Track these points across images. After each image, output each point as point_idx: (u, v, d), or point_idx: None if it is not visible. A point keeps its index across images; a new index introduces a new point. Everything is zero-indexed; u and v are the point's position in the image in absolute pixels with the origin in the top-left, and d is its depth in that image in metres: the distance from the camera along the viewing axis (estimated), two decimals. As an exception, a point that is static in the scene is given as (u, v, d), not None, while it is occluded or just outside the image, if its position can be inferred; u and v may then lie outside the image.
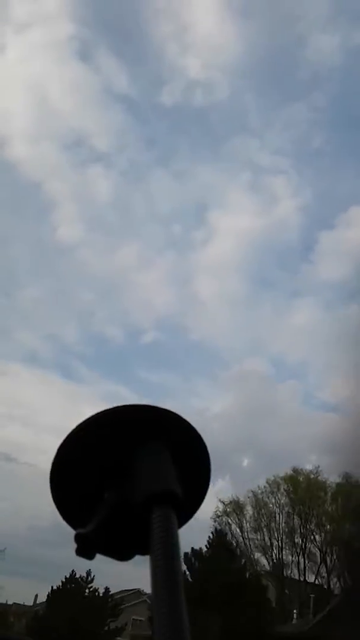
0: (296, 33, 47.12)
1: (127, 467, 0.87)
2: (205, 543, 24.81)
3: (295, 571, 33.95)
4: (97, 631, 24.73)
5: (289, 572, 33.87)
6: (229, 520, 35.36)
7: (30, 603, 39.36)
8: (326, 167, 51.95)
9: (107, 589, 27.48)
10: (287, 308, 52.81)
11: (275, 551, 34.50)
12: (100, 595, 26.86)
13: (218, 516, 35.00)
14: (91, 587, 26.84)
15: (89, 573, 27.57)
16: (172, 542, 0.77)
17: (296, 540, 34.29)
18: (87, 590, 26.81)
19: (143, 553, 0.81)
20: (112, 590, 28.27)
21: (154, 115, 49.20)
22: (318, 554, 33.67)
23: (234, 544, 30.02)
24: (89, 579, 26.95)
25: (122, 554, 0.86)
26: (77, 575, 26.98)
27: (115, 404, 0.93)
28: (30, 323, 59.10)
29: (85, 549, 0.83)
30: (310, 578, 33.52)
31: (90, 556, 0.84)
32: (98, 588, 26.91)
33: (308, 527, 33.81)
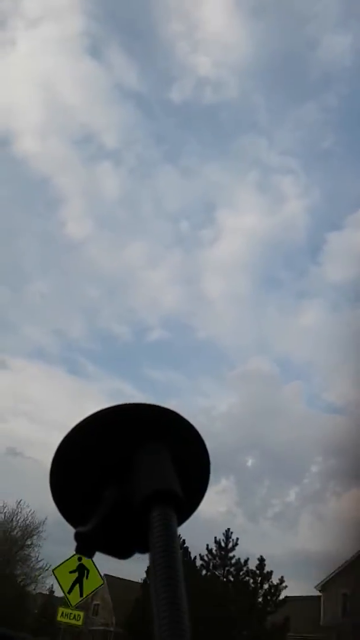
0: (307, 33, 46.95)
1: (127, 465, 0.87)
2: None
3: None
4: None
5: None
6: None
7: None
8: (335, 168, 51.84)
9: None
10: (294, 309, 52.74)
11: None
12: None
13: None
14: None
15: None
16: (172, 541, 0.77)
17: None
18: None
19: (143, 551, 0.81)
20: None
21: (163, 113, 49.34)
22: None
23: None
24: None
25: (122, 552, 0.87)
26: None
27: (120, 402, 0.93)
28: (37, 318, 59.45)
29: (85, 547, 0.83)
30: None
31: (90, 554, 0.85)
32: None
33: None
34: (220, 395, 57.37)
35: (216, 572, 26.89)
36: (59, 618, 11.67)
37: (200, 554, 27.26)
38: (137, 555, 0.86)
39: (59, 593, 22.02)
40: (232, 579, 26.33)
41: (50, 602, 32.28)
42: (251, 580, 26.03)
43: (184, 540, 23.68)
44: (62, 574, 10.91)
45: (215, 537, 27.38)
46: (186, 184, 50.42)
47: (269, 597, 25.47)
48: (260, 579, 25.88)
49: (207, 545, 27.26)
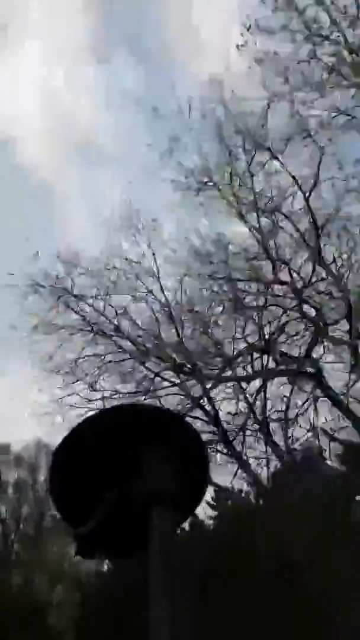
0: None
1: (127, 467, 0.87)
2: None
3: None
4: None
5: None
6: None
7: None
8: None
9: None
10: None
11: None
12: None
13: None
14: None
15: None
16: (171, 542, 0.77)
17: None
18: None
19: (142, 552, 0.81)
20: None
21: (166, 117, 49.00)
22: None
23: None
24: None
25: (121, 553, 0.87)
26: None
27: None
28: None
29: (84, 549, 0.84)
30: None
31: (90, 555, 0.85)
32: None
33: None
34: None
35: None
36: None
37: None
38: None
39: None
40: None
41: None
42: None
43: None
44: None
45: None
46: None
47: None
48: None
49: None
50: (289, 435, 13.85)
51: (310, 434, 13.86)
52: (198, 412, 14.39)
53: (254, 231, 14.30)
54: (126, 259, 15.47)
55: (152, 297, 15.54)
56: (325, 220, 13.84)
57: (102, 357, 15.38)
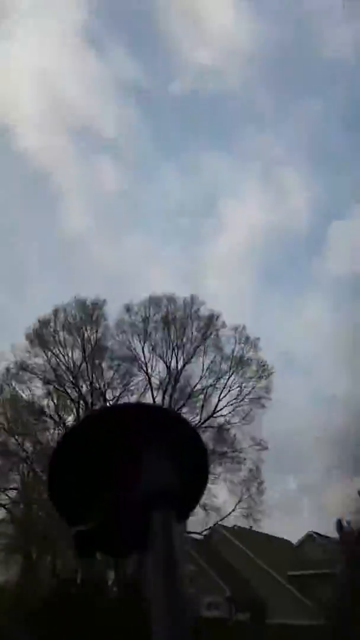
0: (313, 26, 46.37)
1: (127, 466, 0.86)
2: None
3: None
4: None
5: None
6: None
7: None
8: (339, 162, 51.38)
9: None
10: (297, 303, 52.33)
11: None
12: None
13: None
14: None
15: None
16: (172, 541, 0.77)
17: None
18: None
19: (142, 552, 0.81)
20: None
21: (163, 105, 48.80)
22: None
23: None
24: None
25: (121, 553, 0.86)
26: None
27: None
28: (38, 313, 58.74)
29: (84, 548, 0.83)
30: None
31: (90, 555, 0.84)
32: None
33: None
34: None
35: None
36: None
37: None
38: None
39: None
40: None
41: None
42: None
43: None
44: None
45: None
46: (187, 177, 49.88)
47: None
48: None
49: None
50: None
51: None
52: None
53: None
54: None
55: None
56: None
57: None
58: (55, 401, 25.74)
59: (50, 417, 25.53)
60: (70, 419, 24.92)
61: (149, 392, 26.43)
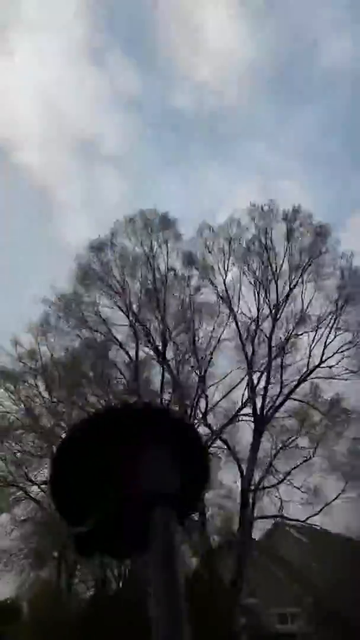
0: (309, 37, 46.12)
1: (128, 467, 0.86)
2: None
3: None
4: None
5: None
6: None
7: None
8: (337, 173, 50.72)
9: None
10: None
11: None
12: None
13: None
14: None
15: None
16: (172, 542, 0.76)
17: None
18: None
19: (143, 552, 0.80)
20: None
21: (164, 119, 49.03)
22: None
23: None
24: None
25: (121, 553, 0.86)
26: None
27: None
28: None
29: (84, 548, 0.83)
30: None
31: (89, 555, 0.84)
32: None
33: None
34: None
35: None
36: None
37: None
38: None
39: None
40: None
41: None
42: None
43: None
44: None
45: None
46: (187, 190, 49.89)
47: None
48: None
49: None
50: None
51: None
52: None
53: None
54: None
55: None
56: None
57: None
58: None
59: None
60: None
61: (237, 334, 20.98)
